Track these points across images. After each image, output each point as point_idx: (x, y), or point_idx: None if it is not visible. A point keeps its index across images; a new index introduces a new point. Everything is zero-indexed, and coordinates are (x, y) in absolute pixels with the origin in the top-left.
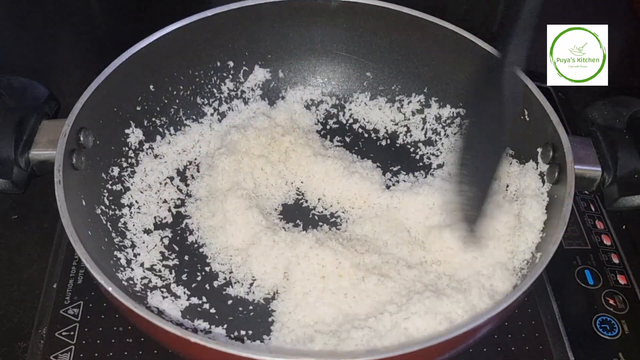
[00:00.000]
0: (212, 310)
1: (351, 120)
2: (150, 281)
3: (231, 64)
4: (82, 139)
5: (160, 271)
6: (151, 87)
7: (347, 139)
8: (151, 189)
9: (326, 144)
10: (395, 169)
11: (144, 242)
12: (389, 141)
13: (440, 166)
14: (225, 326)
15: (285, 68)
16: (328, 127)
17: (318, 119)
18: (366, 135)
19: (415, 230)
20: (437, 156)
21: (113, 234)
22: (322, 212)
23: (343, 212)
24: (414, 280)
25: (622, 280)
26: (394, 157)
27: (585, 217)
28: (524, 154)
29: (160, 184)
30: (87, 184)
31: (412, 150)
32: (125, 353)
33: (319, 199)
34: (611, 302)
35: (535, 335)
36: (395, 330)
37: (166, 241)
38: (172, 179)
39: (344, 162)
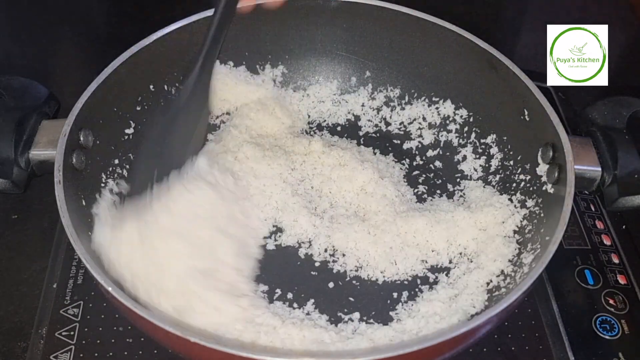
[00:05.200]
0: None
1: None
2: None
3: (231, 64)
4: (82, 139)
5: None
6: (151, 87)
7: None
8: None
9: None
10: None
11: None
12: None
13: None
14: None
15: (285, 68)
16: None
17: (317, 118)
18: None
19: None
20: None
21: None
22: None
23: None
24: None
25: (622, 280)
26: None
27: (585, 217)
28: (524, 154)
29: None
30: (87, 184)
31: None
32: (125, 353)
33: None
34: (611, 302)
35: (535, 335)
36: None
37: None
38: None
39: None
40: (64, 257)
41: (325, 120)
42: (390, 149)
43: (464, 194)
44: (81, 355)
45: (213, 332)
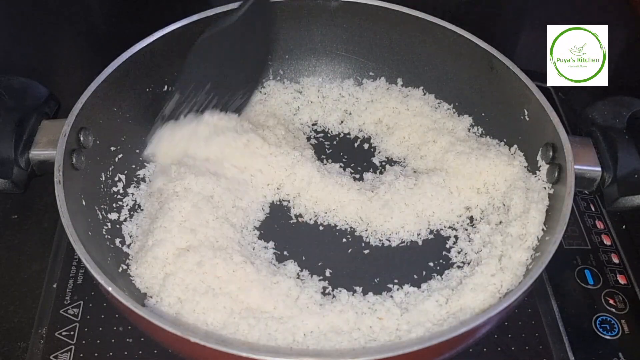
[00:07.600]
0: None
1: None
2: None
3: None
4: (82, 139)
5: None
6: (151, 87)
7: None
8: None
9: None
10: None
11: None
12: None
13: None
14: None
15: (285, 68)
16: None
17: (317, 118)
18: None
19: None
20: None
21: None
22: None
23: None
24: None
25: (622, 280)
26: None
27: (585, 217)
28: (523, 154)
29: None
30: (87, 184)
31: None
32: (125, 353)
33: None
34: (611, 302)
35: (535, 335)
36: None
37: None
38: None
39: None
40: (64, 257)
41: (324, 120)
42: (388, 148)
43: None
44: (81, 355)
45: None
